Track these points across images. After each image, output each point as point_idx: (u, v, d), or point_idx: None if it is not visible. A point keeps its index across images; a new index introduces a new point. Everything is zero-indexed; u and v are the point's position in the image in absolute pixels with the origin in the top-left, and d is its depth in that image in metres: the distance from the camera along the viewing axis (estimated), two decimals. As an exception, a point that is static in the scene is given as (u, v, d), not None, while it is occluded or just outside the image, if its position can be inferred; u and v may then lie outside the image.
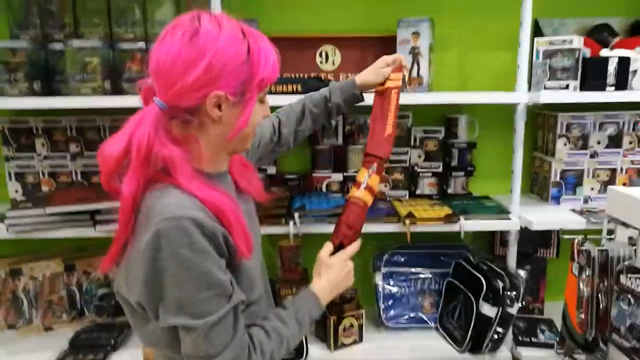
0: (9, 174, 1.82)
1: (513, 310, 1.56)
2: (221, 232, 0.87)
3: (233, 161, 1.05)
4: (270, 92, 1.51)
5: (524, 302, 1.85)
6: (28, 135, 1.82)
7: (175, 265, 0.82)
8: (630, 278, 0.82)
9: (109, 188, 0.89)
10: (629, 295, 0.82)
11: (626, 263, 0.84)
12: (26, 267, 1.80)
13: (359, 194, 1.22)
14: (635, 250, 0.90)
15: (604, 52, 1.59)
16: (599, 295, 0.93)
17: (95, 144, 1.83)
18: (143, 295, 0.85)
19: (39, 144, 1.82)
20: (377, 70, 1.32)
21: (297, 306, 1.03)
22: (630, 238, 0.95)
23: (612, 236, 0.99)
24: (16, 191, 1.83)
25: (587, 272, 0.93)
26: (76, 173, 1.84)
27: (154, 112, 0.87)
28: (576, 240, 0.98)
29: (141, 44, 1.68)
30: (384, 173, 1.37)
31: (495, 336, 1.58)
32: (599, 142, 1.73)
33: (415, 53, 1.66)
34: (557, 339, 1.12)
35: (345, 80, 1.36)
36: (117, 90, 1.68)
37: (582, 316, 0.95)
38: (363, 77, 1.33)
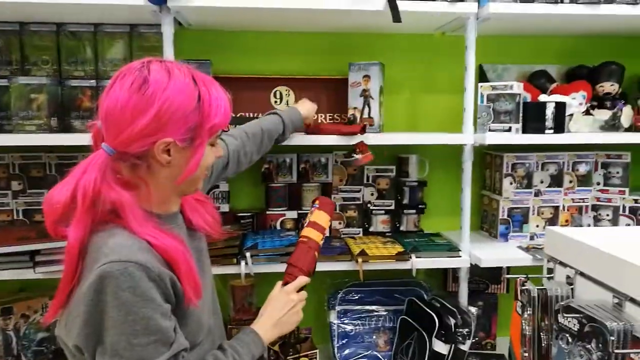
0: (-55, 212, 1.72)
1: (465, 347, 1.57)
2: (168, 276, 0.87)
3: (186, 198, 1.06)
4: (225, 132, 1.54)
5: (476, 338, 1.87)
6: (-32, 172, 1.74)
7: (116, 309, 0.82)
8: (567, 318, 0.84)
9: (55, 234, 0.89)
10: (567, 335, 0.85)
11: (563, 303, 0.87)
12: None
13: (303, 231, 1.25)
14: (572, 289, 0.94)
15: (542, 97, 1.69)
16: (541, 334, 0.96)
17: (39, 182, 1.77)
18: (81, 338, 0.84)
19: (-21, 181, 1.74)
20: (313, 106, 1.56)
21: (236, 348, 1.01)
22: (567, 277, 0.98)
23: (552, 275, 1.02)
24: (-47, 230, 1.73)
25: (529, 310, 0.96)
26: (17, 211, 1.77)
27: (102, 158, 0.88)
28: (518, 280, 1.01)
29: (92, 82, 1.67)
30: (335, 210, 1.41)
31: (448, 374, 1.58)
32: (542, 181, 1.81)
33: (366, 95, 1.71)
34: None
35: (293, 112, 1.52)
36: (66, 128, 1.65)
37: (526, 355, 0.97)
38: (305, 111, 1.54)
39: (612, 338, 0.74)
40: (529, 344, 0.96)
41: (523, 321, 0.98)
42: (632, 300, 0.80)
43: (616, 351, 0.73)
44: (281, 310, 1.11)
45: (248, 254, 1.55)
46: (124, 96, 0.86)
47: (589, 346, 0.80)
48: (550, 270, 1.02)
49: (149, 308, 0.84)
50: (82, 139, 1.47)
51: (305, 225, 1.26)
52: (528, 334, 0.96)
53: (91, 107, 1.66)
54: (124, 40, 1.70)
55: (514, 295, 1.06)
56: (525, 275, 1.00)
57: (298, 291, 1.17)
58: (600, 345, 0.78)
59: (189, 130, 0.89)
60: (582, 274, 0.92)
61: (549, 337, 0.94)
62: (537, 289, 0.95)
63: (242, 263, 1.54)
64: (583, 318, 0.82)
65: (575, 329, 0.83)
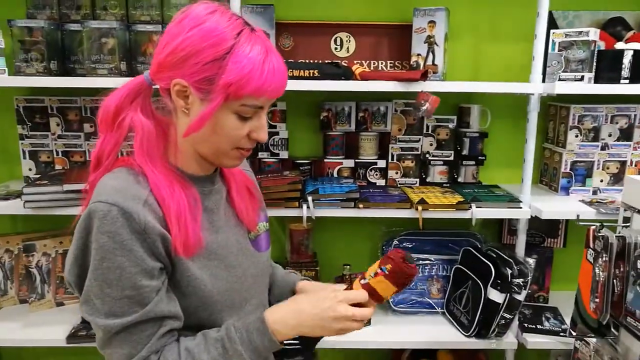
0: (23, 152, 1.83)
1: (520, 297, 1.59)
2: (158, 232, 0.82)
3: (236, 180, 1.01)
4: (289, 77, 1.55)
5: (530, 291, 1.88)
6: (42, 115, 1.82)
7: (94, 251, 0.79)
8: (647, 263, 0.84)
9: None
10: (646, 280, 0.85)
11: (644, 249, 0.86)
12: (39, 243, 1.82)
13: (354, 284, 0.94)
14: (651, 237, 0.93)
15: (619, 45, 1.60)
16: (614, 281, 0.96)
17: (109, 125, 1.84)
18: (71, 275, 0.83)
19: (54, 123, 1.82)
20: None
21: (230, 332, 0.87)
22: (646, 226, 0.97)
23: (628, 224, 1.01)
24: (30, 169, 1.84)
25: (604, 257, 0.96)
26: (89, 152, 1.85)
27: (138, 81, 0.88)
28: (592, 227, 1.00)
29: (157, 27, 1.69)
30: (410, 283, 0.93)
31: (502, 322, 1.61)
32: (610, 135, 1.75)
33: (430, 42, 1.67)
34: (567, 324, 1.15)
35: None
36: (132, 72, 1.69)
37: (597, 300, 0.98)
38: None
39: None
40: (602, 291, 0.97)
41: (596, 268, 0.98)
42: None
43: None
44: (315, 308, 0.88)
45: (310, 198, 1.59)
46: (170, 25, 0.84)
47: (671, 291, 0.80)
48: (626, 219, 1.00)
49: (125, 258, 0.79)
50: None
51: (359, 281, 0.93)
52: (601, 279, 0.96)
53: (156, 52, 1.70)
54: (190, -16, 1.71)
55: (585, 244, 1.06)
56: (600, 224, 0.99)
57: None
58: (682, 290, 0.78)
59: (206, 80, 0.81)
60: (663, 222, 0.91)
61: (623, 284, 0.94)
62: (615, 236, 0.94)
63: (304, 206, 1.59)
64: (665, 264, 0.82)
65: (656, 275, 0.83)
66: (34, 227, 1.90)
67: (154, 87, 0.90)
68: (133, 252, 0.79)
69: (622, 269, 0.94)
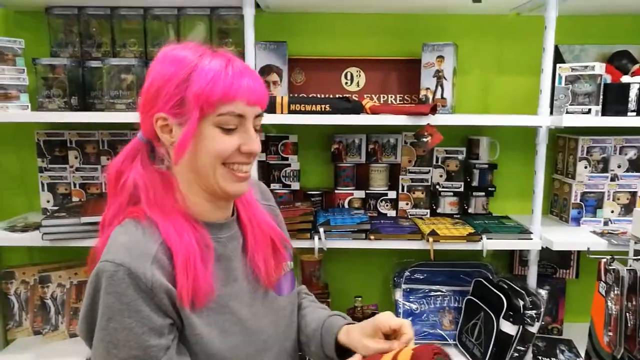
0: (42, 184, 1.88)
1: (534, 329, 1.57)
2: (165, 288, 0.81)
3: (256, 232, 0.98)
4: (300, 112, 1.59)
5: (543, 322, 1.86)
6: (62, 148, 1.88)
7: (101, 312, 0.79)
8: (659, 297, 0.85)
9: None
10: (658, 314, 0.85)
11: (655, 282, 0.87)
12: (54, 274, 1.85)
13: None
14: (662, 270, 0.94)
15: (625, 79, 1.63)
16: (627, 315, 0.96)
17: (125, 157, 1.89)
18: (82, 331, 0.84)
19: (72, 156, 1.88)
20: (362, 341, 0.96)
21: None
22: (656, 259, 0.98)
23: (638, 257, 1.02)
24: (47, 201, 1.89)
25: (616, 291, 0.96)
26: (105, 185, 1.89)
27: (133, 142, 0.91)
28: (604, 261, 1.01)
29: (174, 62, 1.75)
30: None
31: (516, 354, 1.59)
32: (619, 166, 1.76)
33: (439, 76, 1.71)
34: (582, 357, 1.14)
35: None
36: (149, 106, 1.75)
37: (611, 334, 0.98)
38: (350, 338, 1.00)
39: None
40: (615, 324, 0.97)
41: (609, 301, 0.98)
42: None
43: None
44: None
45: (321, 230, 1.61)
46: None
47: (684, 325, 0.80)
48: (636, 252, 1.01)
49: (132, 319, 0.78)
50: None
51: None
52: (614, 313, 0.96)
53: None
54: (204, 23, 1.77)
55: (597, 277, 1.06)
56: (611, 257, 1.00)
57: None
58: (695, 324, 0.78)
59: (178, 103, 0.82)
60: (674, 256, 0.92)
61: (636, 318, 0.94)
62: (626, 269, 0.95)
63: (316, 238, 1.60)
64: (677, 298, 0.82)
65: (668, 309, 0.84)
66: (49, 259, 1.93)
67: (148, 141, 0.90)
68: (140, 312, 0.79)
69: (634, 302, 0.94)
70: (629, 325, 0.95)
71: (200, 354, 0.85)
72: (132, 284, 0.78)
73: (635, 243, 1.02)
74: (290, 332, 1.04)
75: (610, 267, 0.98)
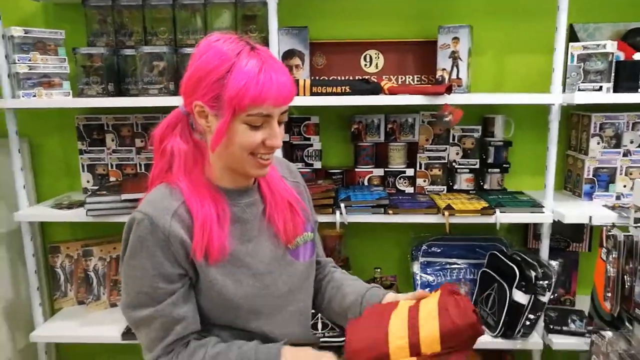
0: (82, 165, 2.02)
1: (545, 298, 1.65)
2: (180, 239, 0.95)
3: (276, 196, 1.09)
4: (321, 94, 1.68)
5: (555, 294, 1.94)
6: (99, 131, 2.01)
7: (128, 249, 0.96)
8: (651, 258, 0.92)
9: None
10: (651, 274, 0.93)
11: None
12: (96, 248, 2.00)
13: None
14: (658, 236, 1.01)
15: (638, 56, 1.67)
16: (625, 277, 1.04)
17: (158, 140, 2.02)
18: (120, 266, 1.00)
19: (109, 139, 2.01)
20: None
21: (258, 354, 0.99)
22: (655, 227, 1.05)
23: (639, 224, 1.09)
24: (88, 181, 2.03)
25: (614, 254, 1.04)
26: (140, 165, 2.03)
27: (175, 113, 1.03)
28: (604, 227, 1.09)
29: (202, 49, 1.85)
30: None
31: (527, 322, 1.68)
32: (631, 142, 1.81)
33: (455, 57, 1.78)
34: (586, 318, 1.22)
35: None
36: (178, 91, 1.85)
37: (609, 294, 1.06)
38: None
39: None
40: (613, 285, 1.05)
41: (608, 264, 1.06)
42: None
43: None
44: None
45: (342, 205, 1.71)
46: None
47: (672, 282, 0.88)
48: (637, 220, 1.08)
49: (148, 261, 0.94)
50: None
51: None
52: (612, 275, 1.04)
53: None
54: (230, 11, 1.87)
55: (599, 243, 1.14)
56: (612, 223, 1.08)
57: None
58: (682, 281, 0.86)
59: (215, 98, 0.92)
60: (669, 222, 0.99)
61: (632, 279, 1.02)
62: (624, 234, 1.03)
63: (337, 213, 1.71)
64: (667, 258, 0.90)
65: (659, 269, 0.91)
66: (90, 234, 2.09)
67: (187, 114, 1.03)
68: (155, 257, 0.94)
69: (631, 266, 1.02)
70: (626, 286, 1.03)
71: (215, 298, 1.00)
72: (152, 231, 0.94)
73: (636, 212, 1.09)
74: (304, 296, 1.15)
75: (610, 234, 1.06)
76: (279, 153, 1.75)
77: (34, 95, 1.74)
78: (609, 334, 1.13)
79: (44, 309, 1.99)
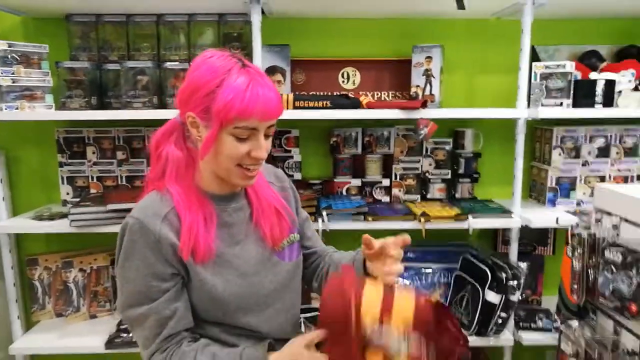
0: (62, 177, 2.02)
1: (515, 297, 1.77)
2: (170, 242, 1.01)
3: (262, 202, 1.16)
4: (303, 107, 1.77)
5: (523, 295, 2.06)
6: (80, 144, 2.02)
7: (122, 252, 1.02)
8: (612, 252, 1.03)
9: None
10: (612, 266, 1.04)
11: (610, 240, 1.06)
12: (76, 260, 2.00)
13: None
14: (617, 233, 1.13)
15: (593, 75, 1.83)
16: (589, 270, 1.15)
17: (139, 152, 2.05)
18: (115, 269, 1.06)
19: (90, 151, 2.03)
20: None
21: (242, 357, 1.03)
22: (614, 226, 1.17)
23: (599, 224, 1.21)
24: (67, 193, 2.03)
25: (579, 251, 1.15)
26: (121, 177, 2.05)
27: (172, 122, 1.11)
28: (570, 227, 1.20)
29: (185, 65, 1.89)
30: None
31: (499, 320, 1.79)
32: (589, 153, 1.96)
33: (428, 74, 1.90)
34: (555, 310, 1.34)
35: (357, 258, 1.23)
36: (162, 104, 1.89)
37: (576, 287, 1.17)
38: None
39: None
40: (579, 278, 1.16)
41: (573, 260, 1.17)
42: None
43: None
44: None
45: (324, 213, 1.79)
46: None
47: (631, 273, 0.99)
48: (597, 220, 1.20)
49: (141, 262, 1.00)
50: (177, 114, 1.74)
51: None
52: (578, 269, 1.15)
53: (184, 86, 1.91)
54: (213, 28, 1.94)
55: (565, 241, 1.25)
56: (576, 223, 1.19)
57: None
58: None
59: (205, 110, 0.98)
60: (626, 220, 1.11)
61: (595, 272, 1.13)
62: (587, 232, 1.14)
63: (320, 220, 1.78)
64: (626, 251, 1.01)
65: (619, 261, 1.03)
66: (64, 247, 2.09)
67: (182, 124, 1.09)
68: (147, 258, 1.00)
69: (594, 260, 1.13)
70: (590, 279, 1.14)
71: (205, 297, 1.06)
72: (144, 235, 1.00)
73: (596, 213, 1.21)
74: (291, 294, 1.19)
75: (575, 232, 1.17)
76: (263, 164, 1.81)
77: (17, 108, 1.75)
78: (575, 323, 1.24)
79: (21, 322, 1.96)
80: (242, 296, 1.09)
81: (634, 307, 1.00)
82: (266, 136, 1.04)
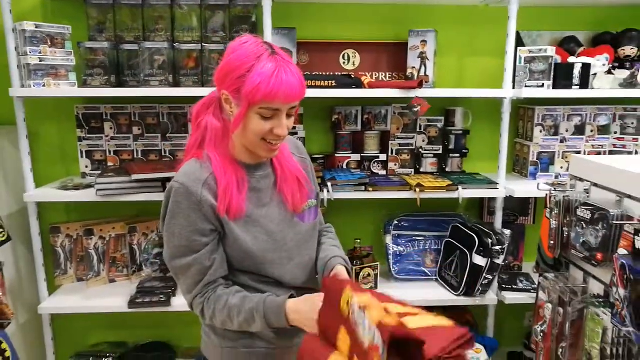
0: (81, 152, 2.16)
1: (499, 260, 1.98)
2: (210, 203, 1.16)
3: (285, 172, 1.29)
4: (310, 87, 1.92)
5: (506, 261, 2.27)
6: (98, 120, 2.16)
7: (168, 212, 1.17)
8: (583, 210, 1.23)
9: None
10: (582, 222, 1.24)
11: (582, 201, 1.26)
12: (97, 228, 2.15)
13: None
14: (588, 195, 1.33)
15: (571, 59, 2.02)
16: (563, 229, 1.35)
17: (153, 128, 2.19)
18: (161, 227, 1.21)
19: (107, 127, 2.16)
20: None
21: (263, 308, 1.17)
22: (585, 190, 1.37)
23: (573, 189, 1.41)
24: (86, 166, 2.17)
25: (556, 211, 1.35)
26: (137, 151, 2.19)
27: (211, 94, 1.25)
28: (548, 192, 1.40)
29: (197, 46, 2.03)
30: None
31: (485, 282, 2.00)
32: (567, 130, 2.17)
33: (423, 57, 2.07)
34: (534, 265, 1.54)
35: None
36: (177, 83, 2.03)
37: (552, 242, 1.37)
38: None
39: (613, 213, 1.12)
40: (555, 234, 1.36)
41: (551, 220, 1.37)
42: (629, 196, 1.19)
43: (614, 222, 1.13)
44: (308, 314, 1.13)
45: (329, 184, 1.96)
46: None
47: (598, 227, 1.19)
48: (572, 186, 1.40)
49: (185, 221, 1.15)
50: (190, 92, 1.90)
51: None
52: (554, 227, 1.36)
53: (196, 67, 2.04)
54: (223, 11, 2.07)
55: (544, 205, 1.45)
56: (554, 188, 1.39)
57: None
58: (604, 225, 1.18)
59: (237, 90, 1.11)
60: (595, 185, 1.31)
61: (569, 229, 1.33)
62: (563, 196, 1.34)
63: (325, 191, 1.96)
64: (594, 210, 1.21)
65: (588, 218, 1.23)
66: (84, 217, 2.24)
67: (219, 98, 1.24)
68: (190, 217, 1.15)
69: (568, 219, 1.34)
70: (564, 236, 1.35)
71: (237, 250, 1.21)
72: (187, 198, 1.15)
73: (571, 180, 1.41)
74: (308, 251, 1.34)
75: (552, 196, 1.37)
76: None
77: (43, 85, 1.88)
78: (551, 275, 1.44)
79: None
80: (268, 250, 1.25)
81: (599, 256, 1.20)
82: (289, 115, 1.19)
